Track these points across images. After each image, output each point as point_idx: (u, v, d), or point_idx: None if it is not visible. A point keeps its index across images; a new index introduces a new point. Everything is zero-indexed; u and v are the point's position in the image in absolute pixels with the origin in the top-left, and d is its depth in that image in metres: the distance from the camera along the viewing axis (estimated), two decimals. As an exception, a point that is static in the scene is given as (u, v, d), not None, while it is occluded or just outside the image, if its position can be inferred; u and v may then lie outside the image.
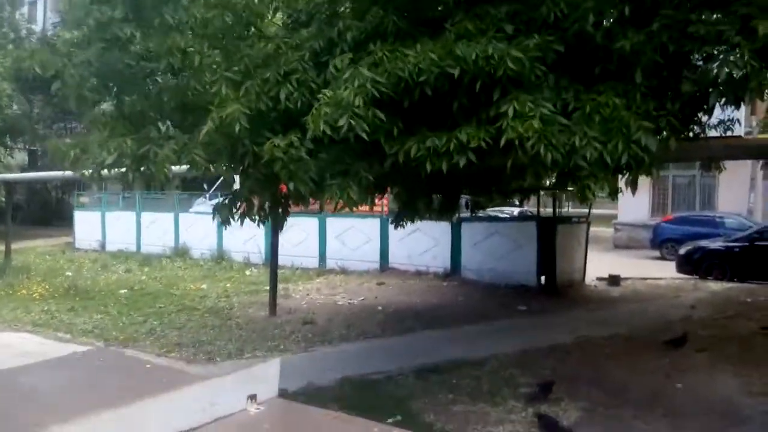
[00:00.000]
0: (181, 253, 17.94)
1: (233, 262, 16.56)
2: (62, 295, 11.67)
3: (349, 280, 13.62)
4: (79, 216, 21.51)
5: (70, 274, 15.23)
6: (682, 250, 14.36)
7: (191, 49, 5.52)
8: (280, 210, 7.55)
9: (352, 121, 4.40)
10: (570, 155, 4.27)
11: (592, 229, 29.30)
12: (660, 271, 14.84)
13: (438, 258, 13.72)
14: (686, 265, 14.02)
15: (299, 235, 15.71)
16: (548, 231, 12.22)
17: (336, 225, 15.30)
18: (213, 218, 7.61)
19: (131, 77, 6.22)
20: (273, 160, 4.75)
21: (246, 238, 16.70)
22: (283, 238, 16.33)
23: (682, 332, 8.02)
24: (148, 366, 7.25)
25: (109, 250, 19.77)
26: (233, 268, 15.78)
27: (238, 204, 6.90)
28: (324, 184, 5.01)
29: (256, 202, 7.22)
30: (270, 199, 6.98)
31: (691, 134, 6.15)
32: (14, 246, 21.81)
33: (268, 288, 12.22)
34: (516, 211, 26.46)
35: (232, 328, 8.94)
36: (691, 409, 5.69)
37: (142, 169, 5.75)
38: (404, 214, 10.66)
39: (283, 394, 4.60)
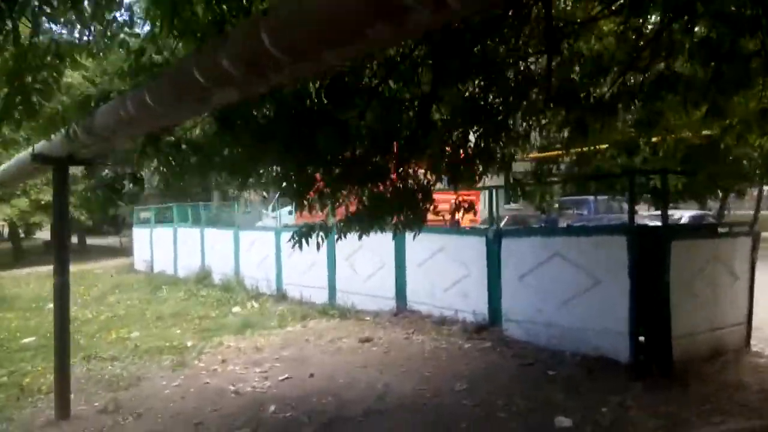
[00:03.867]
0: (202, 277, 14.59)
1: (243, 290, 12.66)
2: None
3: (336, 329, 8.82)
4: (136, 233, 19.53)
5: (51, 306, 12.61)
6: None
7: None
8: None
9: None
10: None
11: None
12: None
13: (470, 297, 8.28)
14: None
15: (306, 258, 11.26)
16: (653, 253, 6.19)
17: (345, 242, 10.51)
18: None
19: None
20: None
21: (258, 260, 12.81)
22: (290, 262, 12.15)
23: None
24: None
25: (156, 272, 17.31)
26: (233, 300, 11.87)
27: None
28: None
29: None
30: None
31: None
32: (77, 267, 20.74)
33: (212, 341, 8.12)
34: (686, 215, 18.88)
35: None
36: None
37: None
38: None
39: None
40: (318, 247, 5.31)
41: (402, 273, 9.36)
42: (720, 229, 7.04)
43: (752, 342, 7.10)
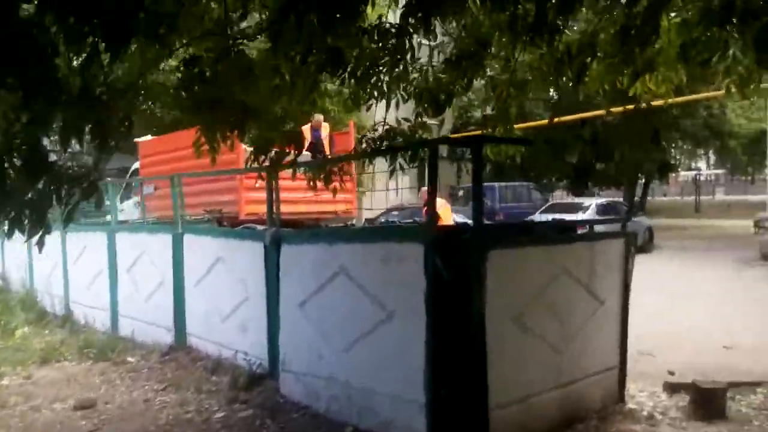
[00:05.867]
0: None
1: (28, 310, 9.68)
2: None
3: (66, 383, 6.10)
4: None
5: None
6: None
7: None
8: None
9: None
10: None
11: (731, 224, 19.47)
12: None
13: (249, 332, 5.74)
14: None
15: (91, 268, 8.52)
16: (461, 269, 3.81)
17: (129, 248, 7.80)
18: None
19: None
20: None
21: (48, 269, 9.92)
22: (75, 272, 9.32)
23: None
24: None
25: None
26: (2, 325, 8.94)
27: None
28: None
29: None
30: None
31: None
32: None
33: None
34: (593, 203, 16.88)
35: None
36: None
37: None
38: None
39: None
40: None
41: (180, 293, 6.75)
42: (570, 233, 4.75)
43: (629, 393, 4.91)
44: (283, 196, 9.97)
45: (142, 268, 7.43)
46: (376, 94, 4.40)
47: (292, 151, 4.33)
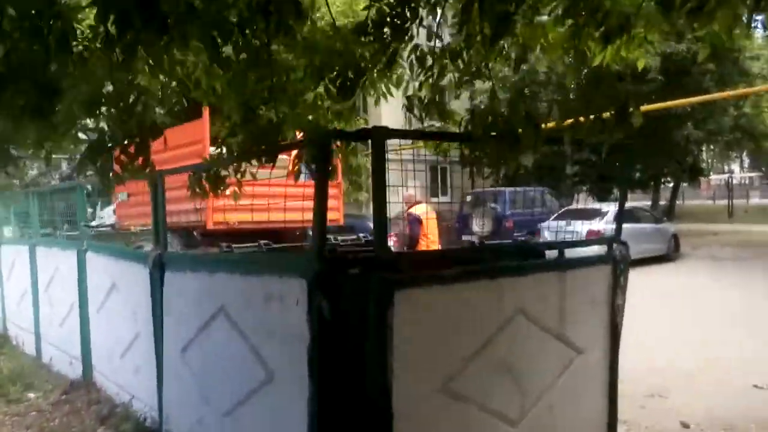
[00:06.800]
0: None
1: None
2: None
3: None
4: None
5: None
6: None
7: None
8: None
9: None
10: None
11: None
12: None
13: (141, 375, 4.59)
14: None
15: (20, 283, 7.51)
16: (356, 317, 2.60)
17: (46, 264, 6.71)
18: None
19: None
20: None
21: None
22: (9, 287, 8.23)
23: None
24: None
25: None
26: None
27: None
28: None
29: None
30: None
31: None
32: None
33: None
34: (611, 210, 15.22)
35: None
36: None
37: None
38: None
39: None
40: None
41: (85, 319, 5.63)
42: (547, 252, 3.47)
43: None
44: (256, 204, 8.81)
45: (56, 288, 6.36)
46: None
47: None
